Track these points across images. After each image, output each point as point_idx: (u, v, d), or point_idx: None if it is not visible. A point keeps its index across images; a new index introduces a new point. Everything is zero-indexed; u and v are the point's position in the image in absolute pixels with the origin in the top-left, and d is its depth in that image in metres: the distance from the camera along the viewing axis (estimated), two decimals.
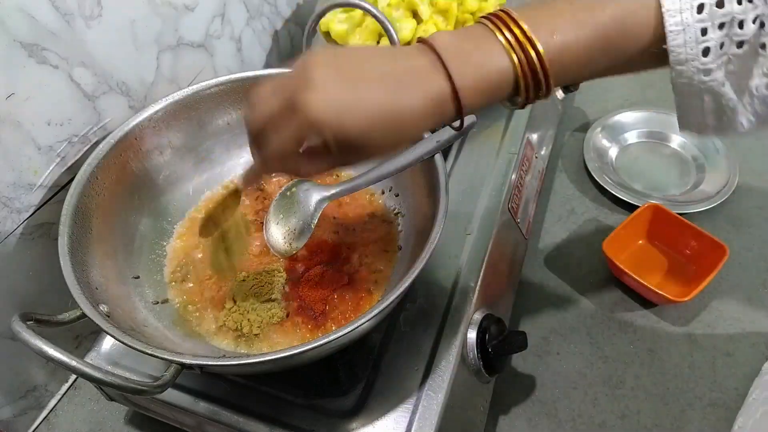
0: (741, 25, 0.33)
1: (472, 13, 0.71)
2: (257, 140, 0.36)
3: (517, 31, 0.34)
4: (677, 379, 0.60)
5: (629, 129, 0.86)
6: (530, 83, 0.35)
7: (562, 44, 0.35)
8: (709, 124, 0.38)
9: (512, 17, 0.35)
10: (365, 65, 0.34)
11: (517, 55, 0.34)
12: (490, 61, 0.35)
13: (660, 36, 0.34)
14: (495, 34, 0.35)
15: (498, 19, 0.35)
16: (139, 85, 0.62)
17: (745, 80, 0.35)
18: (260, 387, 0.48)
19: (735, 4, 0.33)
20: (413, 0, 0.70)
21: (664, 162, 0.83)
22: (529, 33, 0.34)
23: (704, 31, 0.33)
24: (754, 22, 0.33)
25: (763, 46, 0.34)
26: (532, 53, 0.34)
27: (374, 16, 0.56)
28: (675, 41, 0.34)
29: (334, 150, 0.34)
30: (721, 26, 0.33)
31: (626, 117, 0.86)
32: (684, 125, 0.39)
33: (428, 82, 0.34)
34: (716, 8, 0.33)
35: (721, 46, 0.33)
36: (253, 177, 0.40)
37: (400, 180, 0.55)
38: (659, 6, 0.33)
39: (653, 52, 0.35)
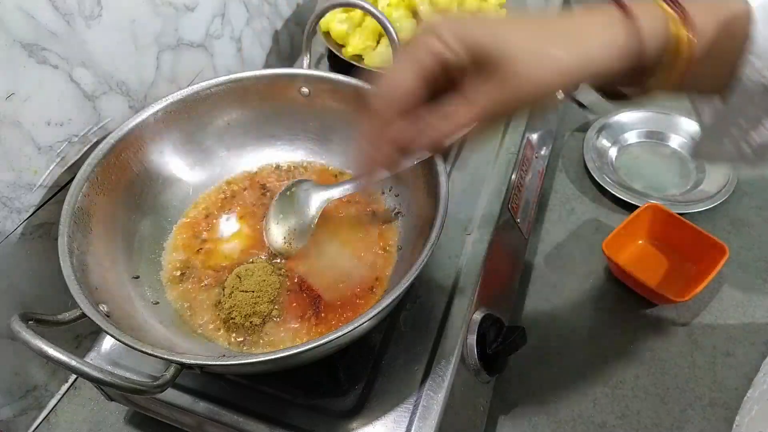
0: None
1: (472, 13, 0.71)
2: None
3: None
4: (677, 378, 0.60)
5: (629, 129, 0.86)
6: (681, 54, 0.35)
7: (703, 20, 0.35)
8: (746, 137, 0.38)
9: None
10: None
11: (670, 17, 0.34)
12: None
13: (745, 36, 0.34)
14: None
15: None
16: (139, 85, 0.62)
17: None
18: (260, 387, 0.48)
19: None
20: (413, 0, 0.70)
21: (664, 162, 0.83)
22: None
23: None
24: None
25: None
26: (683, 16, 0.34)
27: (374, 16, 0.56)
28: (760, 31, 0.34)
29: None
30: None
31: (626, 117, 0.86)
32: (706, 140, 0.40)
33: (571, 31, 0.35)
34: None
35: None
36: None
37: (400, 180, 0.55)
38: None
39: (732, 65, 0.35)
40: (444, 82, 0.35)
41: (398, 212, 0.56)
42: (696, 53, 0.35)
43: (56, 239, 0.43)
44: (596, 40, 0.35)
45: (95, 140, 0.58)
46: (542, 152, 0.75)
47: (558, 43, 0.34)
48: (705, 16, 0.35)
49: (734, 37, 0.35)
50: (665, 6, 0.35)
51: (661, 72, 0.36)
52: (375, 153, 0.36)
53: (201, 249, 0.54)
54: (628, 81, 0.38)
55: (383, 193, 0.57)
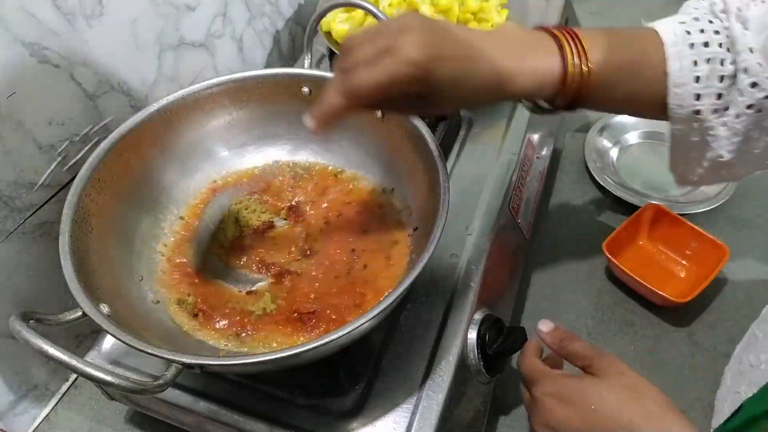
0: (722, 63, 0.41)
1: (474, 14, 0.71)
2: (348, 75, 0.40)
3: (569, 36, 0.42)
4: (678, 380, 0.60)
5: (630, 129, 0.86)
6: (573, 83, 0.42)
7: (603, 57, 0.42)
8: (695, 157, 0.46)
9: (566, 29, 0.43)
10: (449, 28, 0.41)
11: (567, 51, 0.42)
12: (544, 57, 0.42)
13: (664, 71, 0.42)
14: (551, 36, 0.43)
15: (555, 28, 0.44)
16: (140, 85, 0.62)
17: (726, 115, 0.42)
18: (260, 387, 0.49)
19: (716, 46, 0.41)
20: (414, 0, 0.70)
21: (665, 162, 0.82)
22: (581, 37, 0.42)
23: (695, 62, 0.41)
24: (731, 64, 0.41)
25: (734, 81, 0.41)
26: (580, 55, 0.42)
27: (375, 17, 0.56)
28: (673, 66, 0.41)
29: (417, 90, 0.40)
30: (708, 61, 0.41)
31: (627, 117, 0.86)
32: (674, 165, 0.49)
33: (495, 61, 0.41)
34: (703, 47, 0.41)
35: (707, 78, 0.41)
36: (334, 113, 0.42)
37: (401, 180, 0.55)
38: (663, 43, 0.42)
39: (661, 95, 0.42)
40: None
41: (399, 212, 0.56)
42: (591, 87, 0.42)
43: (57, 238, 0.43)
44: (531, 68, 0.42)
45: (96, 139, 0.58)
46: (543, 153, 0.75)
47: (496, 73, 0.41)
48: (601, 53, 0.42)
49: (642, 72, 0.42)
50: (564, 39, 0.43)
51: (560, 94, 0.43)
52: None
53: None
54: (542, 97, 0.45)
55: (384, 192, 0.57)
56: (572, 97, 0.43)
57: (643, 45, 0.43)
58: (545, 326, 0.49)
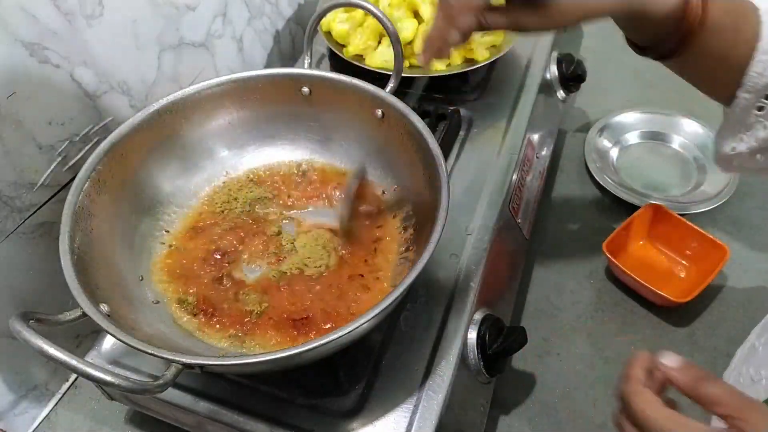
0: None
1: None
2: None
3: None
4: None
5: (630, 129, 0.86)
6: (691, 16, 0.41)
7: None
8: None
9: None
10: None
11: None
12: None
13: (756, 33, 0.41)
14: None
15: None
16: (140, 85, 0.62)
17: None
18: (260, 387, 0.49)
19: None
20: (414, 0, 0.70)
21: (665, 162, 0.83)
22: None
23: None
24: None
25: None
26: None
27: (375, 16, 0.56)
28: (766, 31, 0.40)
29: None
30: None
31: (627, 117, 0.86)
32: (722, 137, 0.46)
33: None
34: None
35: None
36: (440, 39, 0.43)
37: (401, 180, 0.55)
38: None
39: (745, 59, 0.42)
40: None
41: (398, 212, 0.56)
42: (705, 22, 0.41)
43: (57, 238, 0.43)
44: None
45: (96, 139, 0.58)
46: (543, 153, 0.75)
47: None
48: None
49: (742, 26, 0.41)
50: None
51: (676, 28, 0.42)
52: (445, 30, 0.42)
53: (202, 248, 0.54)
54: (650, 31, 0.43)
55: (384, 193, 0.57)
56: (684, 34, 0.42)
57: (744, 4, 0.42)
58: (672, 361, 0.38)
